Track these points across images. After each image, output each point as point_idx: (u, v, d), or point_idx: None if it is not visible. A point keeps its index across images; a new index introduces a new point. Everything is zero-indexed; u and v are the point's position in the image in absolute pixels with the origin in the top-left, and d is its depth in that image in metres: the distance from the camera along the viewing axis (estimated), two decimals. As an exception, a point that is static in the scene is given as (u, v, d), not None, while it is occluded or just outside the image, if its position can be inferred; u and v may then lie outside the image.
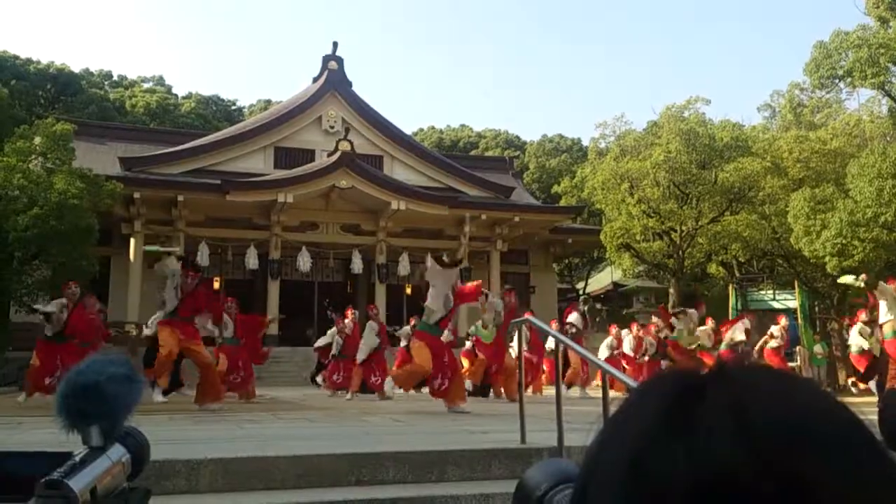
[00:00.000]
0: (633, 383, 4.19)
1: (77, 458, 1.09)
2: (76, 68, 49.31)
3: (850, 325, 15.26)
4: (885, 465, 0.46)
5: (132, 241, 24.58)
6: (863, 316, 14.44)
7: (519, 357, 6.61)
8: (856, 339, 14.78)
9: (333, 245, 26.39)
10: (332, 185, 24.64)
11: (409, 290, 26.94)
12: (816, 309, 23.65)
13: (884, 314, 12.29)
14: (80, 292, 12.82)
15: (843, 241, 17.61)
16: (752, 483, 0.43)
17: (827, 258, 18.07)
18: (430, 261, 13.01)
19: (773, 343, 16.16)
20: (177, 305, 10.96)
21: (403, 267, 26.06)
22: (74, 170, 19.89)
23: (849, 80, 20.21)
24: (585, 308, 18.71)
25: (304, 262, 25.18)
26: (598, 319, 19.76)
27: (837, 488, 0.43)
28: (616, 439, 0.50)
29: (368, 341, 14.61)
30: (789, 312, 22.41)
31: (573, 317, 16.61)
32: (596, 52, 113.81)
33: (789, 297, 24.60)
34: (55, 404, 1.13)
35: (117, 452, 1.14)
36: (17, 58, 44.81)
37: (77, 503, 1.03)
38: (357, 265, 25.72)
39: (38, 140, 20.14)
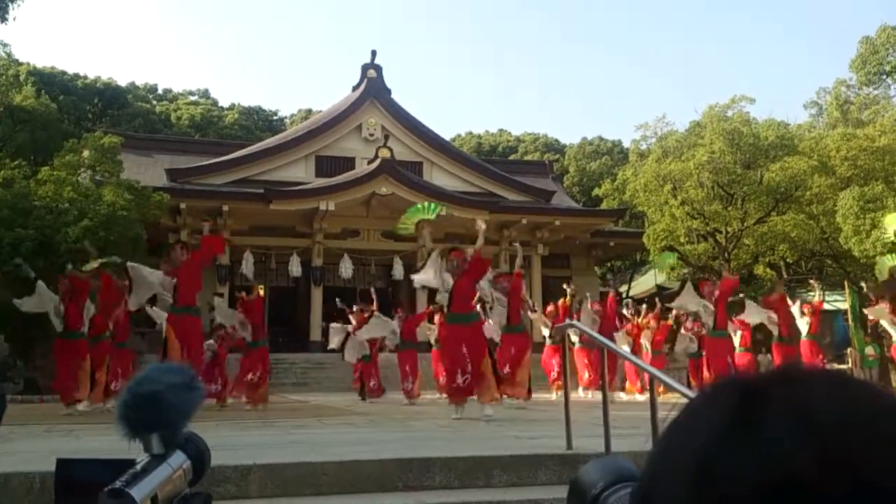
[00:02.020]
0: (684, 389, 4.14)
1: (139, 467, 1.11)
2: (122, 82, 50.45)
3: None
4: None
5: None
6: None
7: (563, 361, 6.57)
8: None
9: (374, 252, 26.54)
10: (373, 192, 24.80)
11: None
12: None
13: None
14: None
15: (895, 240, 17.20)
16: (819, 485, 0.43)
17: (877, 258, 17.66)
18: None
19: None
20: None
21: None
22: (122, 182, 20.33)
23: (897, 75, 19.76)
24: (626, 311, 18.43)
25: (347, 268, 25.36)
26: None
27: None
28: (681, 443, 0.50)
29: (373, 332, 14.72)
30: (839, 314, 21.94)
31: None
32: (636, 53, 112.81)
33: (839, 298, 24.07)
34: (116, 413, 1.15)
35: (178, 459, 1.16)
36: (64, 73, 45.96)
37: (139, 512, 1.05)
38: (398, 271, 25.82)
39: (86, 153, 20.62)
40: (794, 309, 15.36)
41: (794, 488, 0.44)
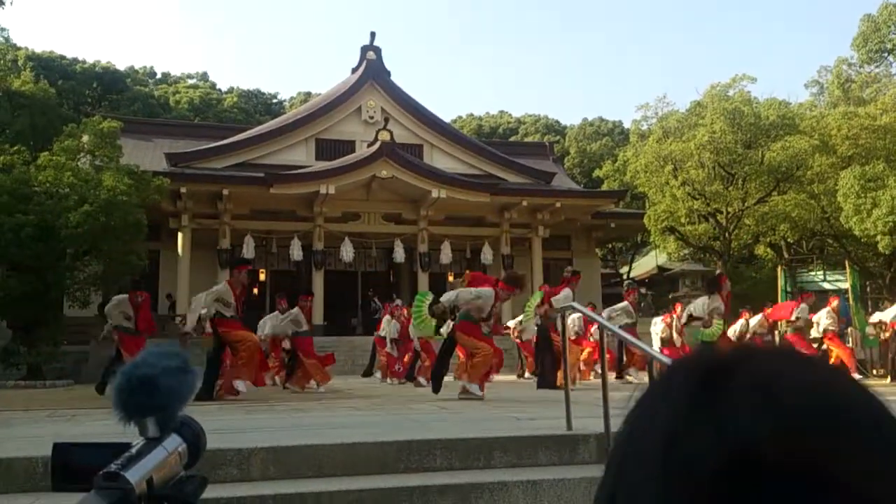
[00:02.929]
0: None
1: (134, 450, 1.12)
2: (121, 66, 50.33)
3: None
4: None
5: (180, 235, 25.02)
6: None
7: (563, 345, 6.58)
8: None
9: (375, 235, 26.54)
10: (373, 175, 24.75)
11: (451, 278, 26.98)
12: (868, 289, 23.12)
13: None
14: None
15: (895, 220, 17.17)
16: (776, 458, 0.44)
17: (878, 237, 17.67)
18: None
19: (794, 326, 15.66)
20: None
21: (445, 255, 26.09)
22: (122, 167, 20.29)
23: (899, 53, 19.65)
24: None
25: (347, 252, 25.37)
26: (642, 304, 19.57)
27: (861, 465, 0.44)
28: (647, 422, 0.50)
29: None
30: (841, 293, 21.95)
31: (621, 305, 15.21)
32: (636, 32, 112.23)
33: (840, 277, 24.07)
34: (112, 397, 1.16)
35: (173, 443, 1.16)
36: (63, 58, 45.81)
37: (133, 494, 1.06)
38: (399, 254, 25.83)
39: (86, 138, 20.58)
40: None
41: (754, 462, 0.44)
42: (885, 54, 20.66)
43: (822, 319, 15.47)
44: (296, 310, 13.60)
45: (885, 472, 0.44)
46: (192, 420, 1.23)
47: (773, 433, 0.45)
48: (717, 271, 21.97)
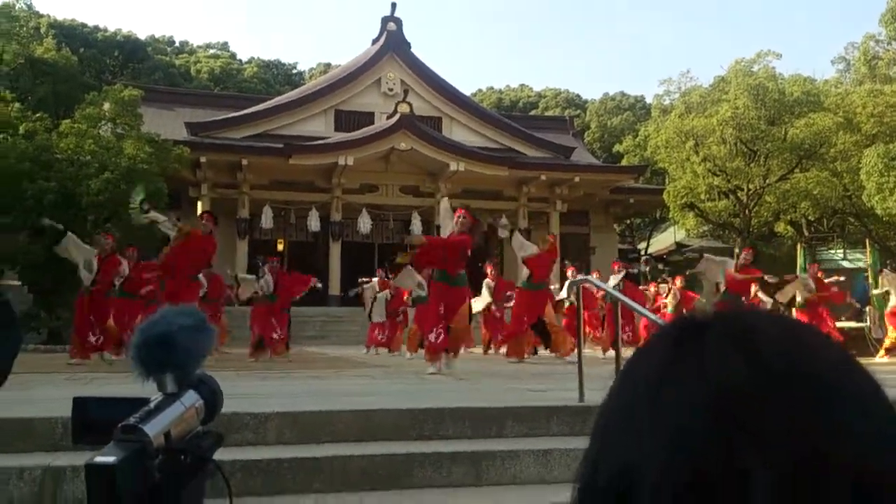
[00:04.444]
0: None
1: (152, 405, 1.15)
2: (142, 35, 50.35)
3: None
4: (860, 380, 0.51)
5: (199, 204, 25.17)
6: None
7: (578, 316, 6.60)
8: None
9: (393, 207, 26.57)
10: (392, 147, 24.73)
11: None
12: (889, 268, 22.88)
13: None
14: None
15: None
16: (758, 394, 0.47)
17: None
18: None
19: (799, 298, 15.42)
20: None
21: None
22: (143, 135, 20.40)
23: (928, 29, 19.29)
24: (641, 269, 18.09)
25: (365, 224, 25.44)
26: (660, 280, 19.51)
27: (826, 410, 0.47)
28: (633, 377, 0.54)
29: (403, 282, 14.83)
30: (860, 272, 21.76)
31: (614, 279, 14.63)
32: (661, 6, 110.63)
33: (860, 256, 23.86)
34: (131, 353, 1.20)
35: (191, 398, 1.20)
36: (84, 26, 45.89)
37: (151, 447, 1.09)
38: (417, 227, 25.85)
39: (107, 106, 20.68)
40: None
41: (737, 400, 0.47)
42: (914, 31, 20.32)
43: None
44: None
45: (847, 413, 0.47)
46: (210, 377, 1.26)
47: (750, 370, 0.48)
48: (737, 250, 21.87)
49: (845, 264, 23.14)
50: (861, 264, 23.10)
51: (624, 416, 0.52)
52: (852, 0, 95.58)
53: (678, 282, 16.40)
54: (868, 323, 18.73)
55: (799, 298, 15.43)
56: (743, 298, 15.14)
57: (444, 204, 10.53)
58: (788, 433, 0.46)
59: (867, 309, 19.30)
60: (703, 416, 0.47)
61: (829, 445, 0.46)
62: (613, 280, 14.29)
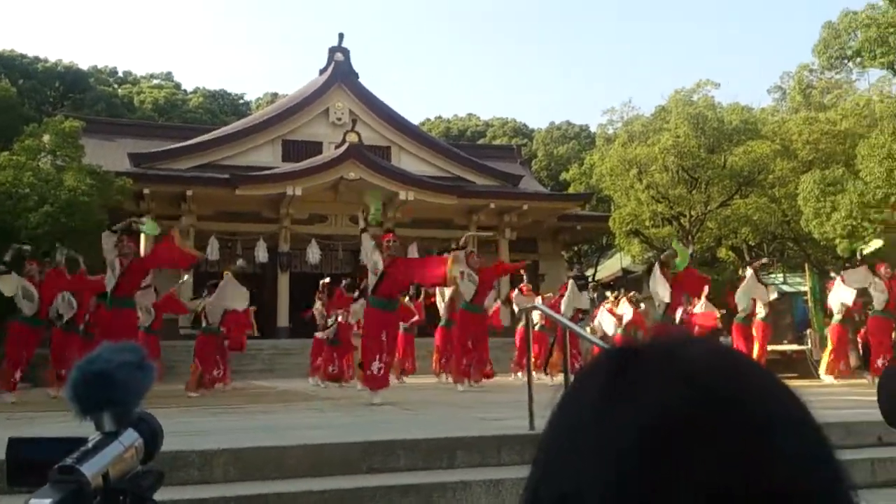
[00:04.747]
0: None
1: (90, 444, 1.13)
2: (84, 65, 49.49)
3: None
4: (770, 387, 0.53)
5: (143, 236, 24.68)
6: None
7: (527, 342, 6.63)
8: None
9: (342, 237, 26.42)
10: (341, 176, 24.67)
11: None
12: (827, 292, 23.50)
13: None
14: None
15: (854, 223, 17.53)
16: (692, 417, 0.48)
17: (837, 240, 18.00)
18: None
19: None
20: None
21: (413, 257, 26.06)
22: (84, 167, 19.98)
23: (858, 60, 20.06)
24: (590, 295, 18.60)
25: (314, 254, 25.23)
26: (606, 306, 19.81)
27: (754, 430, 0.49)
28: (570, 409, 0.55)
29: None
30: (799, 295, 22.33)
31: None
32: (602, 37, 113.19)
33: (799, 280, 24.51)
34: (67, 392, 1.17)
35: (130, 437, 1.17)
36: (24, 56, 44.96)
37: (89, 488, 1.06)
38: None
39: (47, 138, 20.24)
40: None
41: (671, 426, 0.48)
42: (845, 61, 21.02)
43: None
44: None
45: (778, 436, 0.49)
46: (149, 415, 1.24)
47: (684, 394, 0.49)
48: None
49: (785, 288, 23.70)
50: (801, 287, 23.71)
51: (563, 444, 0.53)
52: (786, 31, 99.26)
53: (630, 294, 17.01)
54: (809, 345, 19.19)
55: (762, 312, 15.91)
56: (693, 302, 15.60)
57: (366, 239, 10.42)
58: (722, 457, 0.47)
59: (808, 332, 19.79)
60: (640, 442, 0.48)
61: (761, 467, 0.47)
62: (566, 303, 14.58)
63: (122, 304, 10.47)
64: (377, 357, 9.32)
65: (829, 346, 15.02)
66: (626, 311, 18.31)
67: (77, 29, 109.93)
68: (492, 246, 28.23)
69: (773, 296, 16.62)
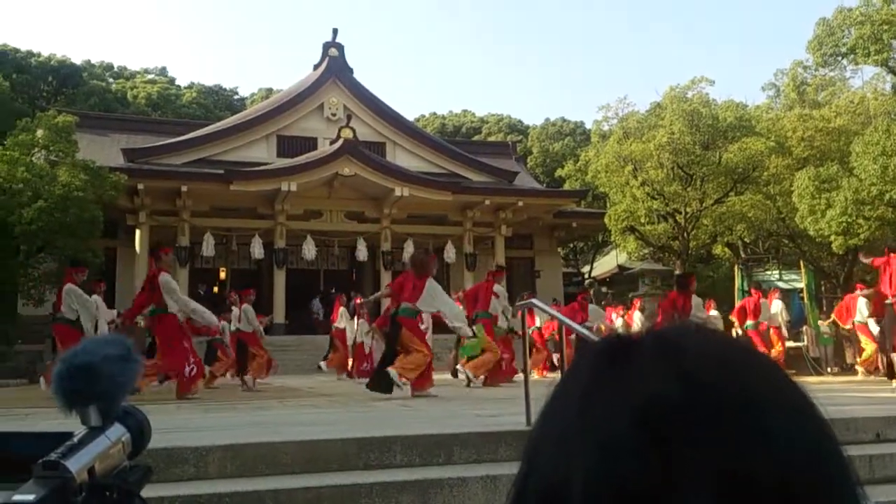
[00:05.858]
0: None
1: (76, 439, 1.09)
2: (77, 60, 49.32)
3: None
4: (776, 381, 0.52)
5: (137, 232, 24.62)
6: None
7: (523, 340, 6.60)
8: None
9: (338, 233, 26.40)
10: (336, 172, 24.62)
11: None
12: (823, 288, 23.58)
13: None
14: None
15: (848, 220, 17.58)
16: (683, 401, 0.48)
17: (832, 237, 18.06)
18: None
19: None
20: None
21: (408, 254, 26.05)
22: (78, 162, 19.92)
23: (852, 57, 20.11)
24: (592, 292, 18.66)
25: (309, 250, 25.19)
26: (603, 303, 19.81)
27: (750, 419, 0.48)
28: (563, 393, 0.54)
29: None
30: (795, 292, 22.36)
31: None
32: (598, 34, 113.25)
33: (795, 276, 24.55)
34: (52, 386, 1.13)
35: (116, 432, 1.13)
36: (17, 51, 44.80)
37: (74, 483, 1.03)
38: (362, 252, 25.73)
39: (40, 133, 20.17)
40: None
41: (664, 414, 0.47)
42: (840, 58, 21.05)
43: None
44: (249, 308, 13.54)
45: (774, 424, 0.48)
46: (136, 409, 1.20)
47: (676, 379, 0.49)
48: (678, 272, 22.32)
49: (781, 285, 23.73)
50: (797, 284, 23.76)
51: (553, 434, 0.52)
52: (781, 28, 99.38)
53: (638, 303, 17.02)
54: (805, 342, 19.21)
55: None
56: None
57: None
58: (716, 445, 0.46)
59: (804, 329, 19.80)
60: (631, 430, 0.47)
61: (756, 455, 0.46)
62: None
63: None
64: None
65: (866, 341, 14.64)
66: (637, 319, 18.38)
67: (71, 23, 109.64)
68: (488, 242, 28.24)
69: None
